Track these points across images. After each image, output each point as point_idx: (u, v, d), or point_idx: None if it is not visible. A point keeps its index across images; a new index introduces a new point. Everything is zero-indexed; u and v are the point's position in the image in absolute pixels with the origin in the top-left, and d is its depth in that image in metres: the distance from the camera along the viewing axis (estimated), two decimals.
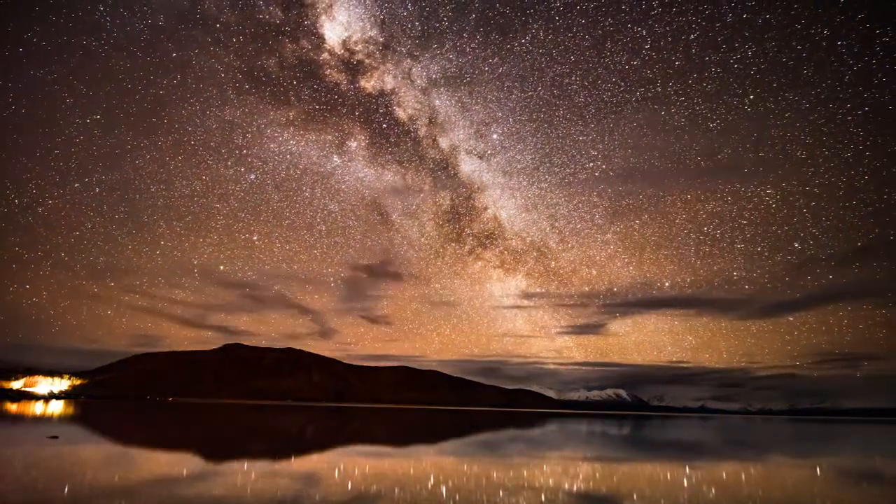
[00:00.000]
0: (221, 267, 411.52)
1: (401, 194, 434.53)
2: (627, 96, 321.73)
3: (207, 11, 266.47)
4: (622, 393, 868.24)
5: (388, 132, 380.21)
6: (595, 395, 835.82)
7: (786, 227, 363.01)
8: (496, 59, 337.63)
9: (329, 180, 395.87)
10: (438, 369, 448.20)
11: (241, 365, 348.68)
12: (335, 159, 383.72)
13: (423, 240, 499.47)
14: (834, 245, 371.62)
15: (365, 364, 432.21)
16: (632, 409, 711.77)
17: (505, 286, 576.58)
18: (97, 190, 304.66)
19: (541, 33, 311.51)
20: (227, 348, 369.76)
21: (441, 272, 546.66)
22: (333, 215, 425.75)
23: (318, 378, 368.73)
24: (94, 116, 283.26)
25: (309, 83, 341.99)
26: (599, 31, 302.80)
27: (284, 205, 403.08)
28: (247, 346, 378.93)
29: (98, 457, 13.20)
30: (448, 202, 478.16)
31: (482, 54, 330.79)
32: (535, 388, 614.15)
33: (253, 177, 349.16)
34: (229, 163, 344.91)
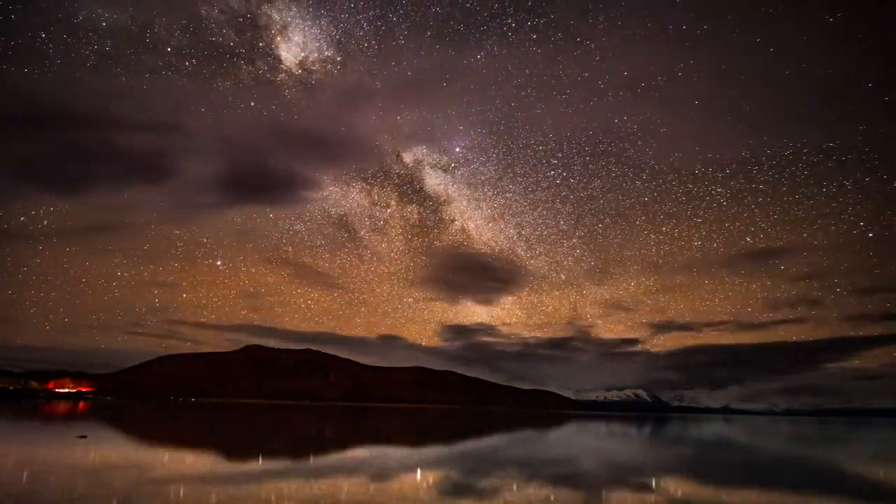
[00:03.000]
0: (184, 295, 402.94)
1: (367, 211, 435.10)
2: (582, 106, 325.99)
3: (157, 35, 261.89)
4: (641, 393, 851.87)
5: (351, 150, 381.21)
6: (613, 395, 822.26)
7: (738, 223, 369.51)
8: (454, 73, 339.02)
9: (293, 200, 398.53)
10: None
11: (260, 366, 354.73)
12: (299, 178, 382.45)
13: (393, 255, 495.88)
14: (782, 237, 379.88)
15: (381, 364, 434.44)
16: (652, 409, 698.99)
17: (477, 294, 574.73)
18: (45, 222, 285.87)
19: (495, 48, 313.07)
20: (247, 349, 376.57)
21: (413, 285, 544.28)
22: (300, 235, 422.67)
23: (335, 378, 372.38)
24: (41, 146, 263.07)
25: (267, 104, 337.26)
26: (551, 46, 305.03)
27: (249, 227, 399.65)
28: (266, 348, 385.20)
29: (124, 455, 13.19)
30: (416, 216, 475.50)
31: (440, 69, 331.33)
32: (553, 389, 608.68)
33: (213, 200, 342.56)
34: (188, 187, 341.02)
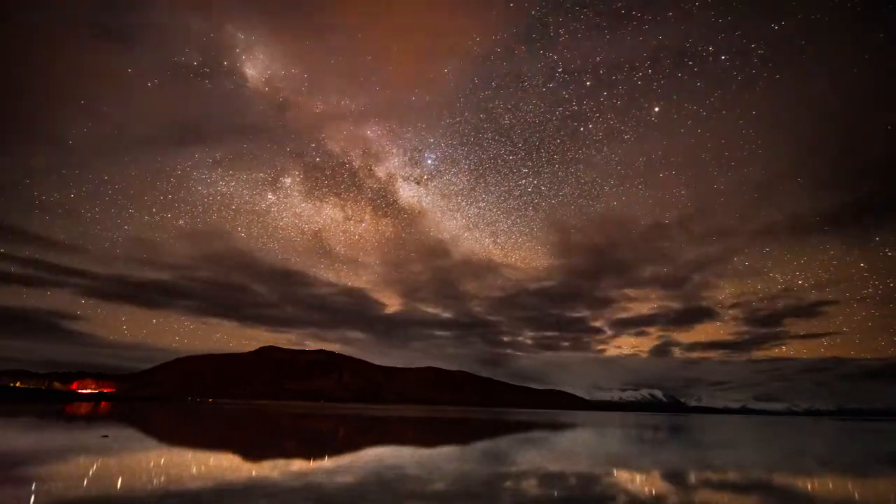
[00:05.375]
0: (154, 321, 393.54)
1: (342, 226, 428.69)
2: (548, 116, 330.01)
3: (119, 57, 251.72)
4: (657, 393, 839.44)
5: (322, 165, 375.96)
6: (629, 395, 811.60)
7: (703, 223, 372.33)
8: (421, 88, 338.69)
9: (265, 218, 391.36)
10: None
11: (275, 367, 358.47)
12: (269, 197, 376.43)
13: (369, 269, 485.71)
14: (745, 233, 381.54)
15: (394, 365, 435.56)
16: (668, 409, 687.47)
17: (457, 303, 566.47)
18: (1, 251, 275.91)
19: (461, 62, 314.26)
20: (262, 350, 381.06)
21: (391, 298, 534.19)
22: (274, 253, 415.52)
23: (349, 379, 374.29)
24: None
25: (234, 123, 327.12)
26: (515, 58, 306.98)
27: (219, 248, 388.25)
28: (281, 349, 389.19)
29: (145, 455, 12.84)
30: (391, 229, 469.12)
31: (407, 85, 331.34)
32: (567, 389, 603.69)
33: (181, 222, 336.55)
34: (154, 210, 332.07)
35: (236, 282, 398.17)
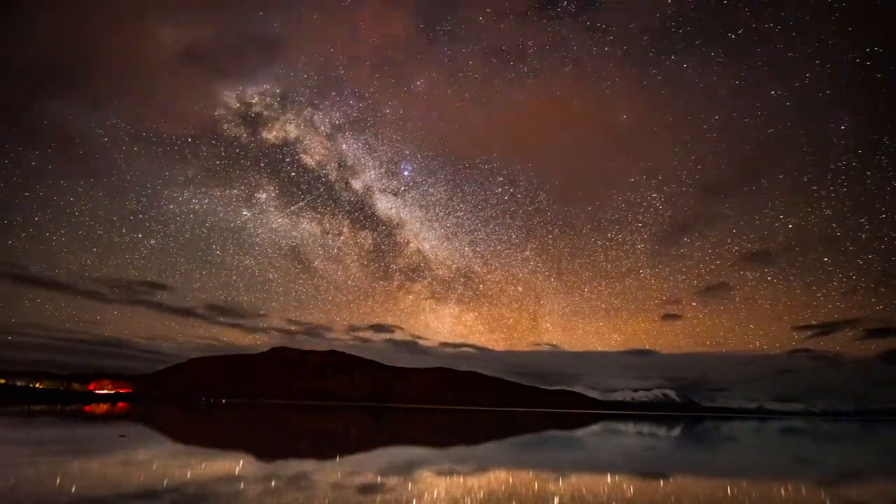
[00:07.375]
0: (134, 339, 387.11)
1: (320, 240, 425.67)
2: (520, 125, 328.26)
3: (81, 73, 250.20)
4: (671, 393, 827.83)
5: (297, 180, 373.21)
6: (641, 395, 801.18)
7: (675, 224, 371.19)
8: (395, 101, 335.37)
9: (241, 235, 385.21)
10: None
11: (287, 367, 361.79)
12: (244, 213, 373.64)
13: (349, 282, 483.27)
14: (715, 234, 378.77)
15: (404, 366, 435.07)
16: (681, 410, 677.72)
17: (438, 314, 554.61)
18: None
19: (434, 74, 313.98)
20: (274, 351, 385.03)
21: (373, 311, 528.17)
22: (251, 270, 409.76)
23: (360, 379, 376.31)
24: None
25: (206, 139, 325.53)
26: (487, 70, 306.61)
27: (193, 267, 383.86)
28: (292, 350, 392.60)
29: (162, 454, 13.11)
30: (370, 241, 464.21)
31: (381, 98, 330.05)
32: (578, 389, 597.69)
33: (153, 242, 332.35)
34: (123, 230, 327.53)
35: (230, 291, 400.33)
